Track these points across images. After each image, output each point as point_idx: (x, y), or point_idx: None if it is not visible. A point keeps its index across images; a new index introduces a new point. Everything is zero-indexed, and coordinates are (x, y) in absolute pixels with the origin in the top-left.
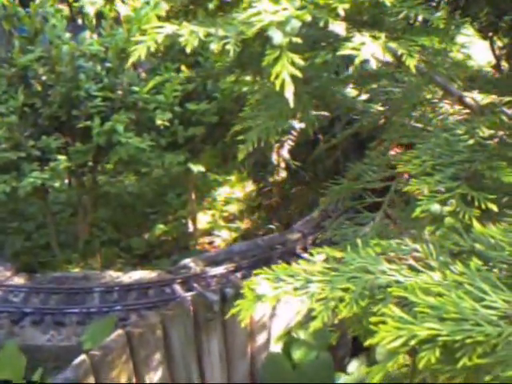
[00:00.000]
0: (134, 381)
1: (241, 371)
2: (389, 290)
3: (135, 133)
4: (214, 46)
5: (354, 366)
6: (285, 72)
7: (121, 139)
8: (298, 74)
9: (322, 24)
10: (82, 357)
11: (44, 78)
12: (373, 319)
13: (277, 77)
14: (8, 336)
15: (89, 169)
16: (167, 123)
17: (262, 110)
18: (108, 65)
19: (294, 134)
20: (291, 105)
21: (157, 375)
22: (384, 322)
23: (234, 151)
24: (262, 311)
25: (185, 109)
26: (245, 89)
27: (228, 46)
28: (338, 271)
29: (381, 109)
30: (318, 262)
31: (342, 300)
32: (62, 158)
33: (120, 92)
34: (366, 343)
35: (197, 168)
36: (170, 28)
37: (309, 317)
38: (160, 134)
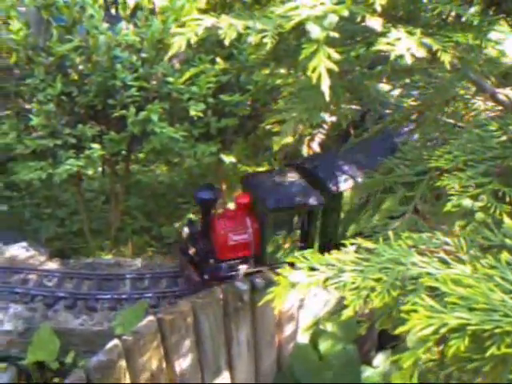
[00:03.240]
0: (164, 365)
1: (268, 360)
2: (421, 280)
3: (169, 123)
4: (252, 39)
5: (380, 360)
6: (322, 66)
7: (155, 129)
8: (335, 67)
9: (358, 19)
10: (115, 341)
11: (81, 67)
12: (404, 308)
13: (313, 70)
14: (42, 319)
15: (122, 157)
16: (200, 114)
17: (297, 102)
18: (143, 55)
19: (325, 127)
20: (327, 98)
21: (186, 360)
22: (415, 311)
23: (265, 143)
24: (290, 302)
25: (218, 100)
26: (278, 81)
27: (265, 39)
28: (369, 261)
29: (413, 104)
30: (351, 251)
31: (373, 290)
32: (96, 146)
33: (155, 82)
34: (397, 331)
35: (229, 159)
36: (209, 20)
37: (337, 308)
38: (193, 125)
